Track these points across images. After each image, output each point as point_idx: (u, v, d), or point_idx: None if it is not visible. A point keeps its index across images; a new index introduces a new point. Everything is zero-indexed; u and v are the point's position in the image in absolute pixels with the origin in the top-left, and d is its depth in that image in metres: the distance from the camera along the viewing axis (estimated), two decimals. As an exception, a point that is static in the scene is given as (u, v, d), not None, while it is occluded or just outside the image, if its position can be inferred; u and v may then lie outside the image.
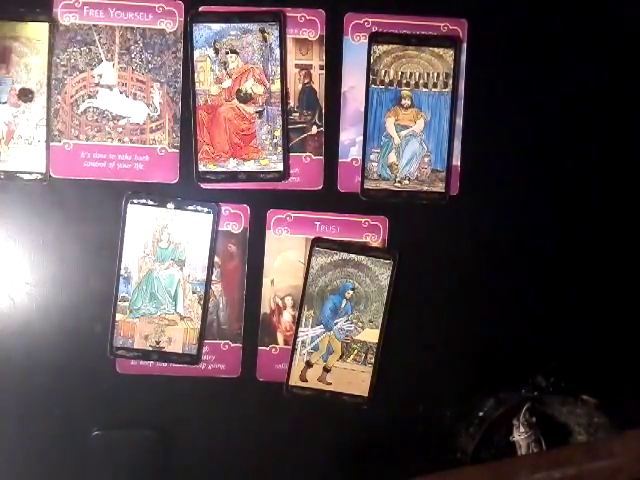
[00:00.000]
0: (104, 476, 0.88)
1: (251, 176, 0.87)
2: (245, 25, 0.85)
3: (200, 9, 0.85)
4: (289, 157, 0.87)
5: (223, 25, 0.85)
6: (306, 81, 0.86)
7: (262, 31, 0.85)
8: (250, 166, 0.86)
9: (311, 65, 0.86)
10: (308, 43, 0.86)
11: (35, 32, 0.84)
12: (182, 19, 0.85)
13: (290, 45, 0.86)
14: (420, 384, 0.89)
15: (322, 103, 0.86)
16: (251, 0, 0.85)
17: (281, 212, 0.87)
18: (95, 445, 0.87)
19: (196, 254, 0.86)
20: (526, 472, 0.78)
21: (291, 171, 0.87)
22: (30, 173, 0.85)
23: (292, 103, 0.86)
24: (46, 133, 0.85)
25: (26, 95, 0.84)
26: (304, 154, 0.87)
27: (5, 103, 0.85)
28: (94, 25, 0.84)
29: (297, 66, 0.86)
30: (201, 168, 0.86)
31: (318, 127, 0.87)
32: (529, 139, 0.89)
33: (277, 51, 0.85)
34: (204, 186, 0.87)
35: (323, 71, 0.86)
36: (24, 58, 0.84)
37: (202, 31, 0.85)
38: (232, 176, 0.86)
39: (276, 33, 0.85)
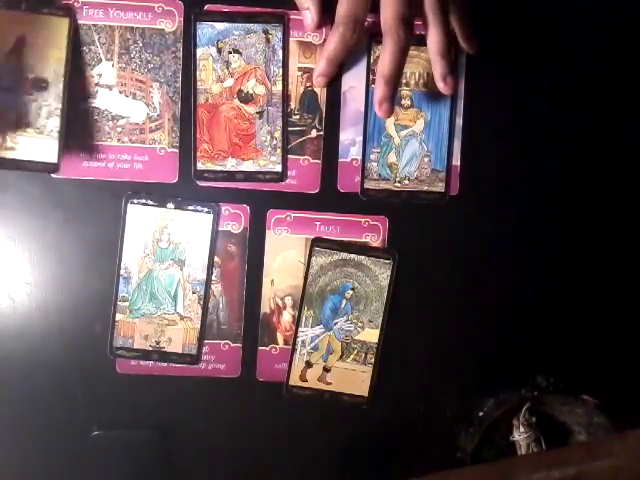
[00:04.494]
0: (104, 476, 0.88)
1: (249, 176, 0.86)
2: (249, 25, 0.84)
3: (205, 8, 0.84)
4: (287, 159, 0.87)
5: (227, 25, 0.84)
6: (308, 84, 0.86)
7: (265, 32, 0.85)
8: (248, 166, 0.86)
9: (314, 69, 0.85)
10: (312, 47, 0.85)
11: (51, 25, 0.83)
12: (182, 19, 0.84)
13: (294, 48, 0.85)
14: (420, 384, 0.90)
15: (323, 107, 0.86)
16: (256, 1, 0.85)
17: (281, 212, 0.87)
18: (95, 445, 0.87)
19: (196, 254, 0.86)
20: (526, 472, 0.78)
21: (288, 173, 0.87)
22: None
23: (293, 105, 0.86)
24: (60, 124, 0.83)
25: (39, 84, 0.83)
26: (302, 157, 0.87)
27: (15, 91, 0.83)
28: (93, 25, 0.84)
29: (300, 69, 0.86)
30: (199, 166, 0.86)
31: (318, 131, 0.86)
32: (529, 139, 0.89)
33: (280, 53, 0.85)
34: (202, 184, 0.86)
35: (324, 73, 0.86)
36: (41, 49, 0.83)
37: (205, 30, 0.84)
38: (230, 175, 0.86)
39: (279, 35, 0.85)
